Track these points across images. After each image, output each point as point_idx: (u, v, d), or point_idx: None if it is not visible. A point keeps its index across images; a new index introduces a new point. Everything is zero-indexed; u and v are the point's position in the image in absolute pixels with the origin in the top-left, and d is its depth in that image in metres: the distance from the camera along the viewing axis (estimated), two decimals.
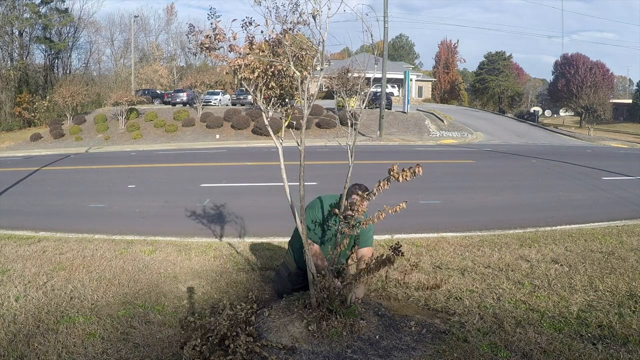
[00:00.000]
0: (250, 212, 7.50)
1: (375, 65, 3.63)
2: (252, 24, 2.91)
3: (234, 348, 2.68)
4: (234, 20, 2.90)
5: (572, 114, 49.26)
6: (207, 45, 2.84)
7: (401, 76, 39.45)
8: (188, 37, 2.93)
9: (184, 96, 33.77)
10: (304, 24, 2.82)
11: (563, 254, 4.84)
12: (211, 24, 2.85)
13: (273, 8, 2.80)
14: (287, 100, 3.23)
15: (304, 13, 2.79)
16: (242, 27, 2.89)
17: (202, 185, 10.61)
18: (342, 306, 3.18)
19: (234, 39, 2.85)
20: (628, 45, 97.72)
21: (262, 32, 2.93)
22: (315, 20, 2.76)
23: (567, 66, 50.05)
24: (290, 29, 2.88)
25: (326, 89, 39.07)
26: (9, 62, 37.85)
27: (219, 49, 2.87)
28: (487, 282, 4.02)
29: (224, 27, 2.84)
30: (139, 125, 27.94)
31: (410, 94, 38.30)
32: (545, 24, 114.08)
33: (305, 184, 3.15)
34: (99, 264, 4.65)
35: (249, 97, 29.85)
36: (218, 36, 2.82)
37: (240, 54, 2.89)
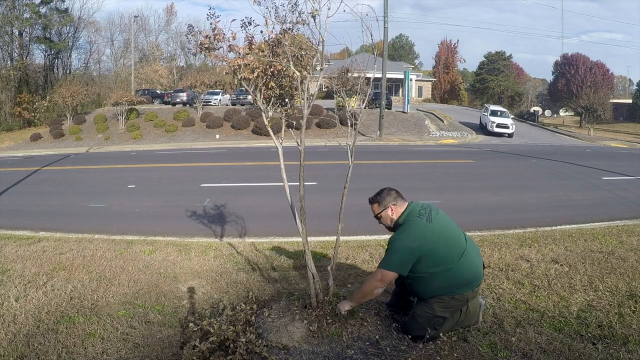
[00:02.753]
0: (251, 212, 7.50)
1: (375, 65, 3.63)
2: (252, 24, 2.91)
3: (234, 348, 2.68)
4: (233, 20, 2.91)
5: (572, 114, 49.23)
6: (206, 46, 2.84)
7: (401, 76, 39.46)
8: (187, 38, 2.93)
9: (184, 96, 33.79)
10: (304, 24, 2.82)
11: (563, 254, 4.84)
12: (210, 24, 2.85)
13: (272, 8, 2.80)
14: (286, 100, 3.23)
15: (303, 13, 2.80)
16: (241, 27, 2.90)
17: (202, 185, 10.61)
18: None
19: (233, 39, 2.86)
20: (630, 45, 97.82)
21: (261, 32, 2.93)
22: (315, 20, 2.76)
23: (567, 66, 50.10)
24: (289, 28, 2.88)
25: (326, 89, 39.08)
26: (9, 62, 37.88)
27: (218, 49, 2.87)
28: (487, 282, 4.01)
29: (223, 27, 2.84)
30: (139, 125, 27.94)
31: (410, 94, 38.30)
32: (549, 24, 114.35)
33: (305, 184, 3.15)
34: (99, 264, 4.65)
35: (249, 97, 29.87)
36: (217, 36, 2.82)
37: (239, 54, 2.89)
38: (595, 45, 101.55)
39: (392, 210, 2.98)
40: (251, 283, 4.08)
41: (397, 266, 2.84)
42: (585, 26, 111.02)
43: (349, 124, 3.13)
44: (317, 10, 2.66)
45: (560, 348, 2.85)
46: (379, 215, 3.03)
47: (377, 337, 2.96)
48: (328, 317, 3.04)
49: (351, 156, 3.10)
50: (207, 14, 2.88)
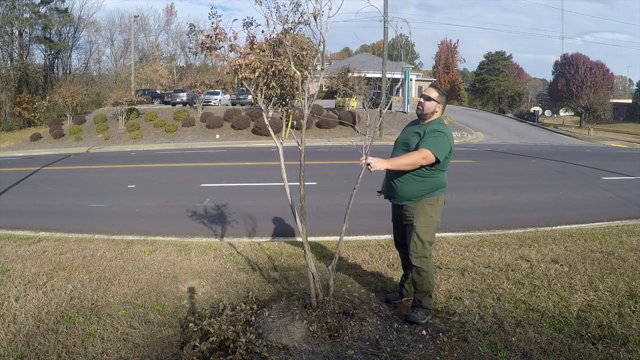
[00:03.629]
0: (251, 212, 7.49)
1: (381, 67, 3.63)
2: (253, 23, 2.91)
3: (234, 348, 2.68)
4: (235, 20, 2.90)
5: (572, 114, 49.26)
6: (207, 45, 2.84)
7: (401, 76, 39.45)
8: (189, 37, 2.93)
9: (184, 96, 33.80)
10: (305, 24, 2.82)
11: (563, 254, 4.84)
12: (212, 23, 2.86)
13: (274, 8, 2.80)
14: (287, 100, 3.23)
15: (304, 13, 2.79)
16: (243, 26, 2.90)
17: (202, 185, 10.61)
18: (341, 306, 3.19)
19: (235, 39, 2.86)
20: (631, 45, 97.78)
21: (262, 31, 2.93)
22: (316, 20, 2.76)
23: (567, 66, 50.11)
24: (291, 29, 2.88)
25: (326, 89, 39.11)
26: (9, 62, 37.90)
27: (219, 48, 2.88)
28: (487, 282, 4.01)
29: (224, 27, 2.84)
30: (139, 125, 27.95)
31: (410, 93, 38.30)
32: (552, 24, 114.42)
33: (305, 183, 3.14)
34: (99, 264, 4.65)
35: (249, 97, 29.86)
36: (219, 36, 2.82)
37: (241, 53, 2.89)
38: (597, 45, 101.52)
39: (439, 109, 3.25)
40: (251, 283, 4.08)
41: (442, 154, 3.10)
42: (588, 26, 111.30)
43: (367, 124, 3.15)
44: (319, 10, 2.66)
45: (560, 348, 2.85)
46: (429, 98, 3.20)
47: (377, 337, 2.96)
48: (328, 317, 3.04)
49: (365, 157, 3.05)
50: (209, 14, 2.88)
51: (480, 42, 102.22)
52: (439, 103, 3.21)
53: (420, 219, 3.21)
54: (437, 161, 3.10)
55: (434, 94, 3.22)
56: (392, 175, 3.28)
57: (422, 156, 3.06)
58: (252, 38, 2.93)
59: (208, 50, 2.86)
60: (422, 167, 3.13)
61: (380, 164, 2.94)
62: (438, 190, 3.24)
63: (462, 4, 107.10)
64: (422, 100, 3.23)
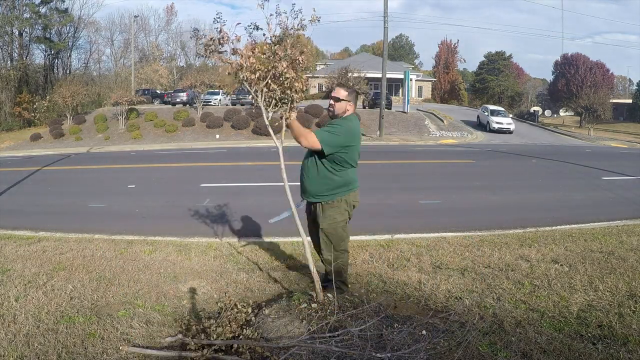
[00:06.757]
0: (250, 211, 7.49)
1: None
2: (257, 29, 2.96)
3: (236, 348, 2.69)
4: (238, 24, 2.94)
5: (572, 114, 49.20)
6: (211, 48, 2.88)
7: (401, 76, 39.48)
8: (192, 39, 2.98)
9: (184, 96, 33.79)
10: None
11: (563, 254, 4.84)
12: (216, 28, 2.89)
13: (275, 14, 2.83)
14: (287, 100, 3.24)
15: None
16: (245, 29, 2.93)
17: (202, 185, 10.61)
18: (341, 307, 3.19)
19: (238, 42, 2.89)
20: (631, 45, 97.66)
21: (264, 35, 2.95)
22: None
23: (567, 66, 50.08)
24: (290, 34, 2.90)
25: (326, 90, 39.10)
26: (9, 62, 37.92)
27: (223, 52, 2.91)
28: (487, 282, 4.02)
29: (228, 30, 2.88)
30: (139, 125, 27.93)
31: (410, 94, 38.32)
32: (562, 24, 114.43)
33: None
34: (99, 264, 4.65)
35: (249, 97, 29.85)
36: (222, 40, 2.85)
37: (242, 56, 2.92)
38: (598, 45, 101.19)
39: (351, 106, 3.31)
40: (251, 283, 4.09)
41: (329, 144, 3.15)
42: (598, 27, 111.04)
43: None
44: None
45: (560, 348, 2.85)
46: (338, 99, 3.27)
47: (377, 337, 2.96)
48: (328, 317, 3.05)
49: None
50: (214, 19, 2.93)
51: (483, 42, 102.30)
52: (349, 101, 3.27)
53: (325, 222, 3.33)
54: (322, 151, 3.13)
55: (342, 93, 3.26)
56: (302, 172, 3.38)
57: (307, 137, 3.12)
58: (253, 42, 2.96)
59: (211, 53, 2.89)
60: (324, 164, 3.21)
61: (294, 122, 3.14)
62: (341, 190, 3.30)
63: (478, 4, 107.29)
64: (332, 102, 3.30)
